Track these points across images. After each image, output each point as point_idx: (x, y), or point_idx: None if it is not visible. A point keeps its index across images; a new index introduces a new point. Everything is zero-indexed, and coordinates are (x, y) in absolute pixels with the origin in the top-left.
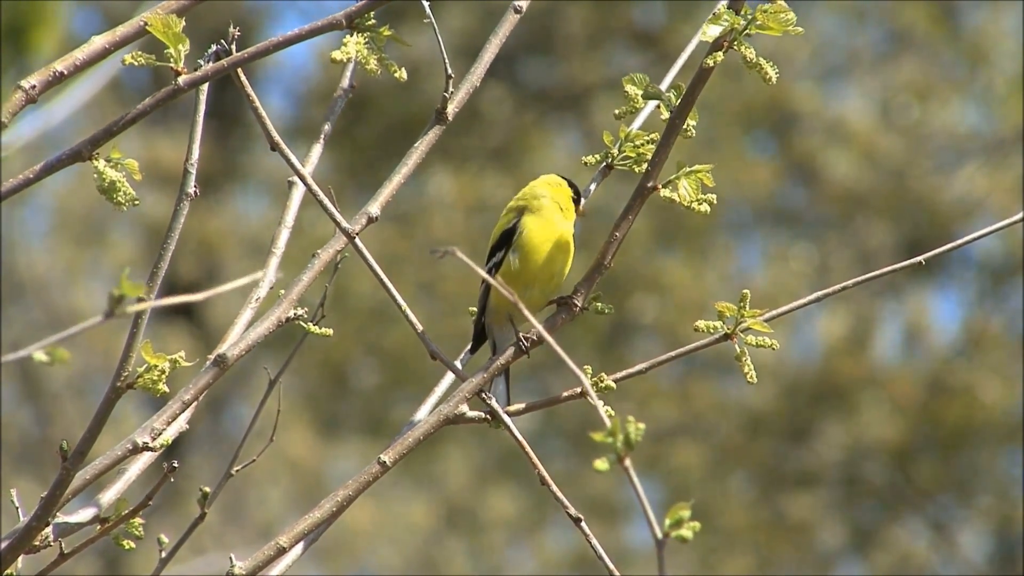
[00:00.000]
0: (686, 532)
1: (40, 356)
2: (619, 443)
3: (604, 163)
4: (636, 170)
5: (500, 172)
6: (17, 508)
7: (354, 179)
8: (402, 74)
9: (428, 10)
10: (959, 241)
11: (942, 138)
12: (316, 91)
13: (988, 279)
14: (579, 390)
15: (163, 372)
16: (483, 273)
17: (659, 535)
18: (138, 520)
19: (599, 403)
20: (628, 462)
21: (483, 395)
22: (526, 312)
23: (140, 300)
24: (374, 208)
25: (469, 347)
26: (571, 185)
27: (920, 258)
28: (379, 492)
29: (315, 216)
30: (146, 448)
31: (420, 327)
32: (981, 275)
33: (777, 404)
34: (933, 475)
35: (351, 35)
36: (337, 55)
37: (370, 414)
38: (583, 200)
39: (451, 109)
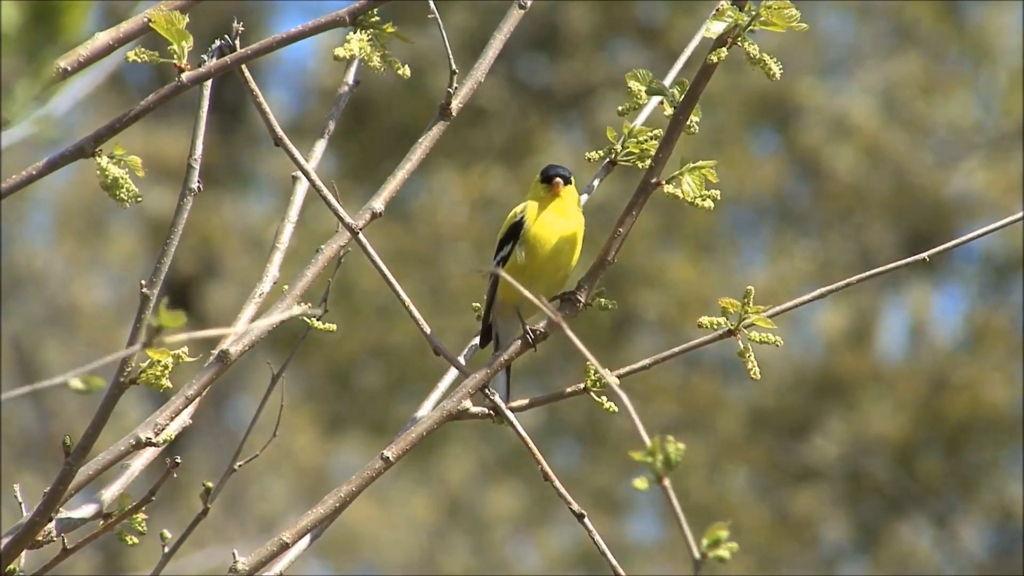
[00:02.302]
0: (724, 552)
1: (77, 384)
2: (659, 463)
3: (607, 159)
4: (640, 166)
5: (505, 170)
6: (20, 503)
7: (360, 180)
8: (405, 71)
9: (433, 5)
10: (962, 238)
11: (945, 133)
12: (320, 87)
13: (990, 274)
14: (583, 385)
15: (166, 368)
16: (516, 284)
17: (697, 555)
18: (141, 515)
19: (626, 401)
20: (667, 482)
21: (486, 391)
22: (547, 307)
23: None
24: (378, 203)
25: (476, 341)
26: (549, 169)
27: (924, 255)
28: (382, 488)
29: (319, 213)
30: (149, 443)
31: (423, 322)
32: (983, 271)
33: (779, 400)
34: (936, 471)
35: (354, 32)
36: (340, 52)
37: (374, 413)
38: (559, 179)
39: (455, 105)
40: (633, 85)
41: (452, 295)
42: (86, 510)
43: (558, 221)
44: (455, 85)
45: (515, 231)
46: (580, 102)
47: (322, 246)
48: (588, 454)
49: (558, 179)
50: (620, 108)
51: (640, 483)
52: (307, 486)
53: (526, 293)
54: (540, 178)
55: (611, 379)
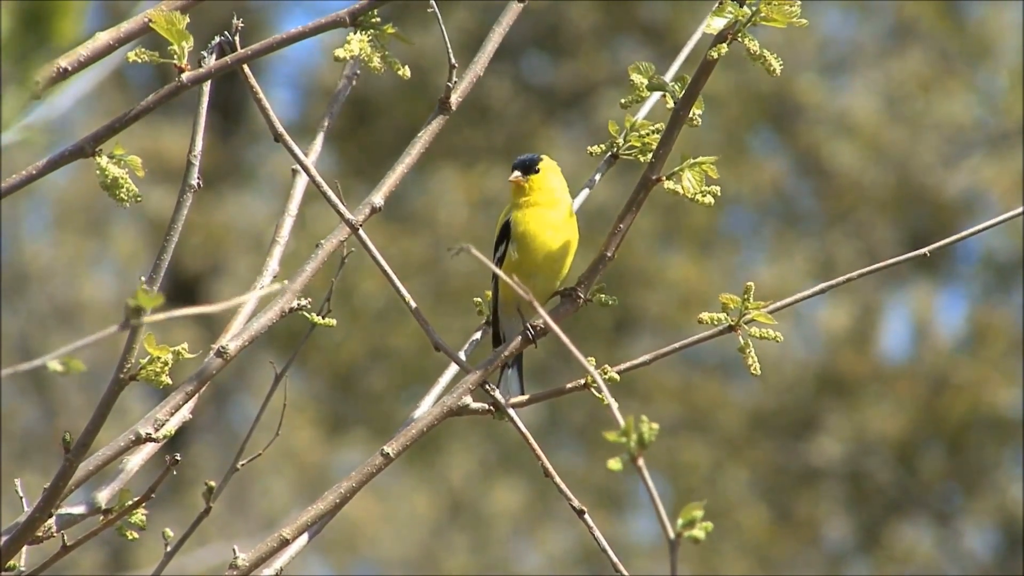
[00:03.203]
0: (698, 532)
1: (55, 366)
2: (633, 443)
3: (609, 152)
4: (641, 159)
5: (507, 170)
6: (21, 499)
7: (363, 180)
8: (405, 71)
9: (432, 1)
10: (963, 233)
11: (946, 130)
12: (323, 85)
13: (992, 274)
14: (583, 382)
15: (166, 364)
16: (495, 268)
17: (672, 535)
18: (141, 511)
19: (608, 396)
20: (642, 462)
21: (487, 387)
22: (535, 303)
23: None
24: (378, 198)
25: (477, 336)
26: (515, 161)
27: (924, 250)
28: (383, 485)
29: (320, 213)
30: (149, 439)
31: (424, 319)
32: (985, 270)
33: (780, 400)
34: (938, 471)
35: (354, 33)
36: (340, 53)
37: (377, 415)
38: (517, 172)
39: (454, 99)
40: (635, 78)
41: (453, 295)
42: (86, 506)
43: (546, 215)
44: (454, 79)
45: (506, 231)
46: (582, 101)
47: (322, 241)
48: (590, 452)
49: (515, 173)
50: (623, 101)
51: (614, 464)
52: (310, 484)
53: (529, 298)
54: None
55: (598, 377)
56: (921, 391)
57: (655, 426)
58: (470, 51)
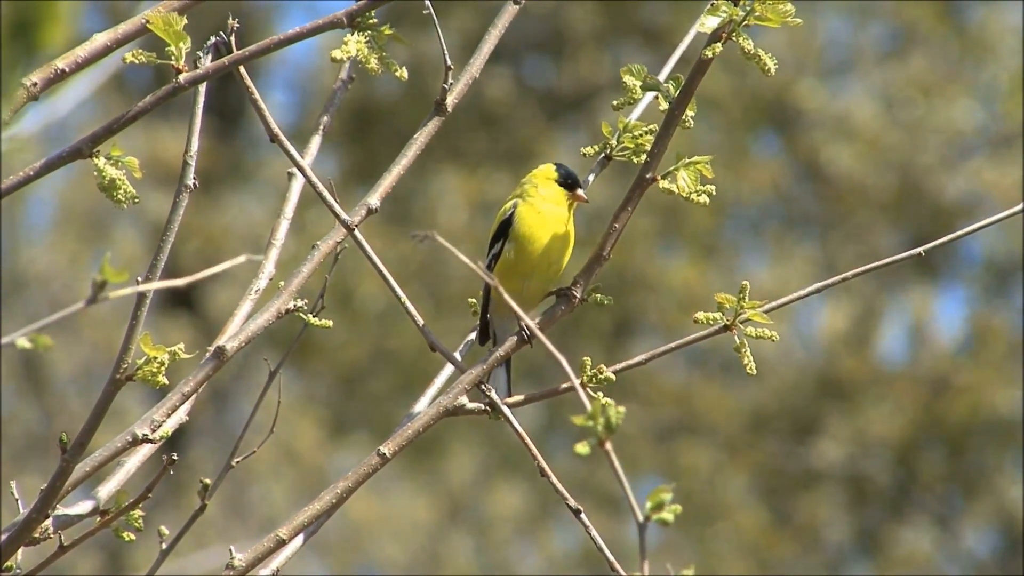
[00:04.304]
0: (667, 515)
1: (23, 343)
2: (600, 426)
3: (603, 154)
4: (635, 161)
5: (508, 173)
6: (17, 500)
7: (364, 186)
8: (403, 73)
9: (429, 4)
10: (959, 232)
11: (947, 134)
12: (323, 91)
13: (991, 277)
14: (579, 381)
15: (162, 364)
16: (473, 265)
17: (640, 519)
18: (138, 512)
19: (584, 397)
20: (609, 446)
21: (483, 387)
22: (515, 306)
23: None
24: (374, 199)
25: (473, 336)
26: (566, 172)
27: (920, 249)
28: (384, 487)
29: (318, 217)
30: (146, 440)
31: (419, 318)
32: (984, 273)
33: (780, 403)
34: (938, 473)
35: (352, 34)
36: (337, 54)
37: (378, 418)
38: (581, 189)
39: (450, 100)
40: (628, 80)
41: (454, 298)
42: (83, 507)
43: (547, 217)
44: (450, 81)
45: (504, 229)
46: (584, 104)
47: (318, 242)
48: (591, 457)
49: (581, 191)
50: (615, 103)
51: (582, 448)
52: (310, 488)
53: (507, 299)
54: (558, 179)
55: (577, 384)
56: (921, 394)
57: (622, 410)
58: (468, 52)
